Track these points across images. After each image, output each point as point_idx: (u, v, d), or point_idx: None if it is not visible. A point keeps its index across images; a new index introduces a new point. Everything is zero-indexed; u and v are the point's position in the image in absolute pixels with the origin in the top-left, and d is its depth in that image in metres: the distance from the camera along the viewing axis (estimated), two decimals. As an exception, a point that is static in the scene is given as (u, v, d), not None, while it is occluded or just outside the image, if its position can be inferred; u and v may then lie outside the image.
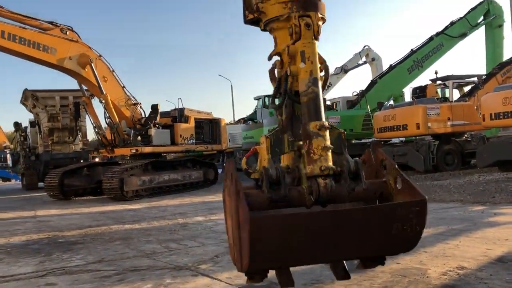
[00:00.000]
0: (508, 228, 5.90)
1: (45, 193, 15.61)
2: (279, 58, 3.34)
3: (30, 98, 21.35)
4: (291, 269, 3.27)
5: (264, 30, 3.47)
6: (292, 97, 3.31)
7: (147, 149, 15.08)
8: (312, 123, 3.12)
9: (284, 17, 3.24)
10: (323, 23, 3.34)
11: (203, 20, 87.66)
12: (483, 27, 20.47)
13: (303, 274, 4.15)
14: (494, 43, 20.71)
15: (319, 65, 3.24)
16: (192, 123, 16.85)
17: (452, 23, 19.26)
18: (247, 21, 3.50)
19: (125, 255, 5.32)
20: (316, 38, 3.20)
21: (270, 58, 3.39)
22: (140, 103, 15.91)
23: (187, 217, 8.94)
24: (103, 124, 15.53)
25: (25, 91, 21.51)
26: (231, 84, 71.54)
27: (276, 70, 3.35)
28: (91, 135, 22.02)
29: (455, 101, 15.97)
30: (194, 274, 4.28)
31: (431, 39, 19.17)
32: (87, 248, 5.94)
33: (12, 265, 5.15)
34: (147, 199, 13.68)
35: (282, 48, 3.28)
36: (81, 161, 19.95)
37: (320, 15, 3.31)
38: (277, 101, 3.50)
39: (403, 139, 17.05)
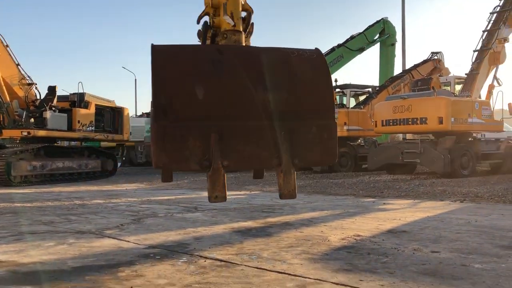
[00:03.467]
0: (395, 212, 6.49)
1: None
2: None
3: None
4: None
5: None
6: None
7: (41, 133, 14.03)
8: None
9: None
10: None
11: (112, 11, 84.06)
12: (379, 44, 22.30)
13: (213, 238, 4.21)
14: (386, 59, 22.55)
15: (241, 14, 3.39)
16: (92, 110, 15.98)
17: (352, 37, 20.63)
18: None
19: (19, 223, 4.95)
20: None
21: (198, 20, 3.43)
22: (36, 84, 14.78)
23: (85, 200, 8.51)
24: (-9, 103, 14.17)
25: None
26: (135, 78, 69.05)
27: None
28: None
29: (352, 108, 17.13)
30: (99, 237, 4.12)
31: (332, 50, 20.33)
32: (-28, 218, 5.42)
33: None
34: (37, 186, 12.75)
35: (207, 2, 3.37)
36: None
37: None
38: None
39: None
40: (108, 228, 4.65)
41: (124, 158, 22.63)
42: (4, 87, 13.51)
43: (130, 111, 20.53)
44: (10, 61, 14.10)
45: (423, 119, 12.81)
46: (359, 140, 16.92)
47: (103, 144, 18.70)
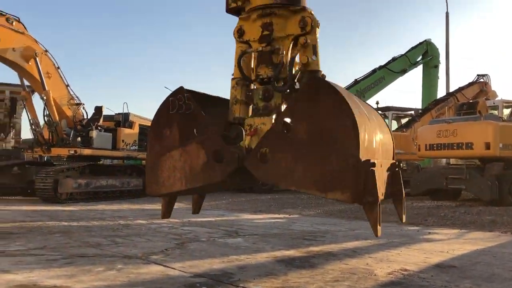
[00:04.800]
0: (442, 243, 6.28)
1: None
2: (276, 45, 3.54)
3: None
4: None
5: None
6: (294, 83, 3.52)
7: (87, 151, 14.50)
8: None
9: (298, 8, 3.46)
10: None
11: (157, 30, 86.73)
12: (422, 66, 21.94)
13: (257, 268, 4.19)
14: (429, 81, 22.13)
15: None
16: (136, 129, 16.44)
17: (394, 59, 20.40)
18: (229, 10, 3.61)
19: (69, 244, 5.10)
20: None
21: (268, 41, 3.53)
22: (84, 104, 15.34)
23: (128, 219, 8.69)
24: (41, 122, 14.82)
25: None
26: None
27: (274, 56, 3.50)
28: (24, 134, 20.86)
29: (394, 131, 16.84)
30: (145, 263, 4.18)
31: (374, 71, 20.15)
32: (25, 237, 5.62)
33: None
34: (82, 203, 13.13)
35: (282, 35, 3.47)
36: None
37: None
38: None
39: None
40: (153, 252, 4.72)
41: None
42: (54, 107, 14.08)
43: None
44: (60, 82, 14.73)
45: (469, 144, 12.42)
46: (402, 164, 16.57)
47: (144, 162, 19.12)
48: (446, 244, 6.14)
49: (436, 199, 13.62)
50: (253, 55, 3.60)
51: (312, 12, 3.50)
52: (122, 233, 6.35)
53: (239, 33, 3.68)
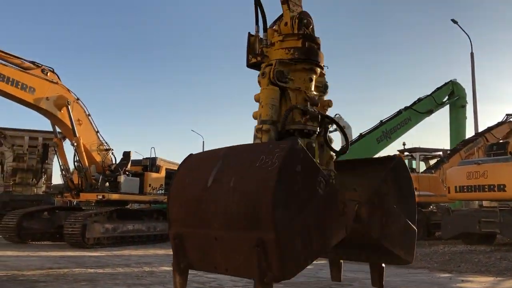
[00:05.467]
0: (477, 293, 6.00)
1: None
2: None
3: (-3, 135, 20.70)
4: None
5: None
6: None
7: (114, 196, 14.69)
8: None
9: (263, 69, 3.62)
10: (320, 70, 3.60)
11: (180, 75, 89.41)
12: (449, 106, 21.69)
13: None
14: (457, 121, 21.79)
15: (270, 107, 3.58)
16: (163, 173, 16.65)
17: (419, 100, 20.24)
18: (249, 65, 3.71)
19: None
20: (275, 84, 3.51)
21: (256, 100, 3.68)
22: (112, 149, 15.70)
23: (153, 266, 8.65)
24: (71, 167, 15.16)
25: (-7, 128, 20.88)
26: (203, 140, 71.13)
27: None
28: (55, 179, 21.36)
29: (422, 172, 16.50)
30: (168, 315, 4.13)
31: (399, 112, 19.99)
32: (51, 286, 5.66)
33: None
34: (108, 248, 13.18)
35: None
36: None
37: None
38: None
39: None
40: (176, 304, 4.65)
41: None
42: (84, 153, 14.43)
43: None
44: (91, 129, 15.16)
45: (501, 186, 12.06)
46: (431, 207, 16.15)
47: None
48: (480, 294, 5.86)
49: (469, 243, 13.13)
50: None
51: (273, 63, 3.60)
52: (146, 281, 6.32)
53: None
